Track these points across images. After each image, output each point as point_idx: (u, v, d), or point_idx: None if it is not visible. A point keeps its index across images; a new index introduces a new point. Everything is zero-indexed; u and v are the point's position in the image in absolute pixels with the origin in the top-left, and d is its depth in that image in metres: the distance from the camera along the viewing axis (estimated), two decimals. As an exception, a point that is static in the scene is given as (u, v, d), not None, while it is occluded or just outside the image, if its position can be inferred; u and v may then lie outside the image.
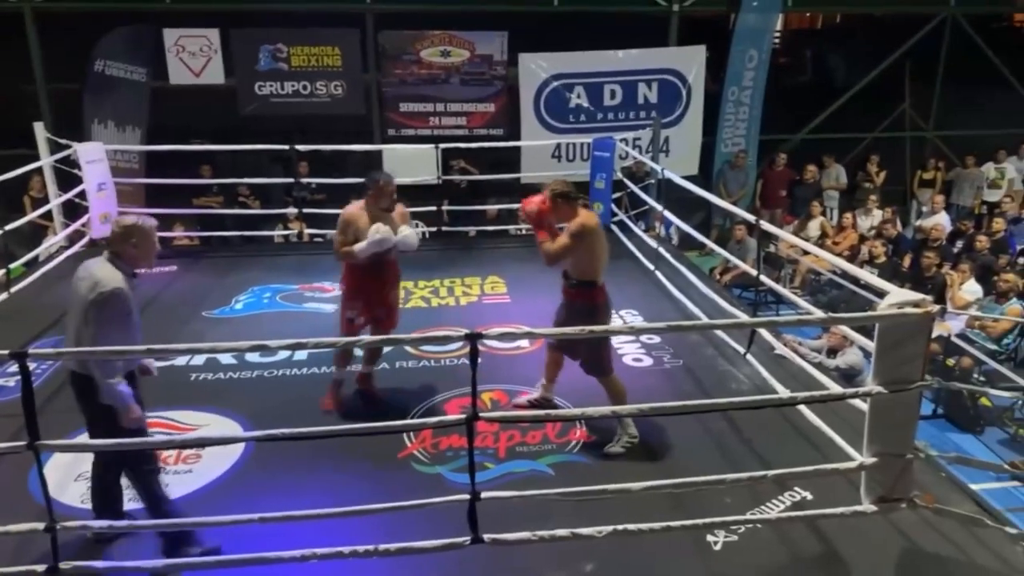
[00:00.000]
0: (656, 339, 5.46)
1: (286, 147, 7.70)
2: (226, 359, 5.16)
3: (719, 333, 5.37)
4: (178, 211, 8.25)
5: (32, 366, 2.62)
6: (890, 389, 2.97)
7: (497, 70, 10.14)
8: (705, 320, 5.33)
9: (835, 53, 13.59)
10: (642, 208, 8.12)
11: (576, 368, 4.23)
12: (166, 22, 9.50)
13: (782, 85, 12.04)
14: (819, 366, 5.01)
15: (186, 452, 4.02)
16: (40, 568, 2.75)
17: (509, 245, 7.93)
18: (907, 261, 8.83)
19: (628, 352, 5.30)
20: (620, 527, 2.93)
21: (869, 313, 3.64)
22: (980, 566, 3.22)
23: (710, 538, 3.37)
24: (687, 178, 6.98)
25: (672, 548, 3.30)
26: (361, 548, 2.84)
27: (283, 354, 5.20)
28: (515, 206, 7.47)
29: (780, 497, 3.64)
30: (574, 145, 10.19)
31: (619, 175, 8.13)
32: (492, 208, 9.15)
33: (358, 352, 4.62)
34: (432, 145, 7.96)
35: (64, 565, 2.75)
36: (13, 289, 6.19)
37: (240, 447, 4.08)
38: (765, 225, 5.21)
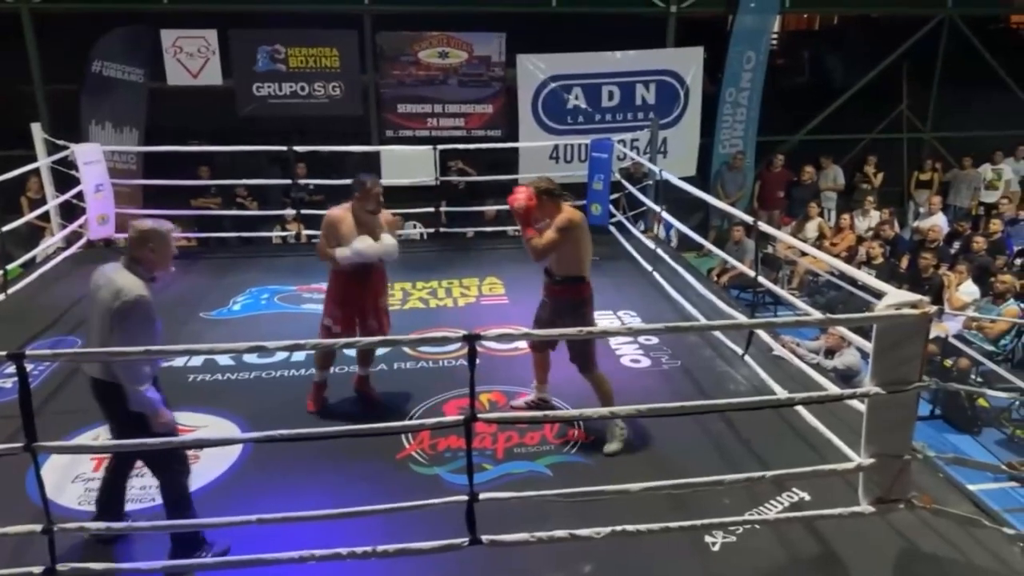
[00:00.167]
0: (654, 340, 5.47)
1: (284, 148, 7.70)
2: (224, 360, 5.16)
3: (717, 334, 5.37)
4: (176, 212, 8.20)
5: (29, 367, 2.61)
6: (888, 390, 2.97)
7: (495, 71, 10.14)
8: (703, 321, 5.33)
9: (833, 54, 13.62)
10: (640, 209, 8.12)
11: (573, 369, 4.23)
12: (164, 23, 9.49)
13: (780, 86, 12.05)
14: (817, 367, 5.03)
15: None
16: (37, 570, 2.74)
17: (507, 246, 7.92)
18: (904, 262, 8.84)
19: (626, 353, 5.30)
20: (618, 528, 2.93)
21: (867, 314, 3.65)
22: (978, 567, 3.22)
23: (708, 539, 3.37)
24: (685, 179, 6.99)
25: (670, 549, 3.30)
26: (359, 549, 2.84)
27: (281, 355, 5.19)
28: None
29: (778, 498, 3.65)
30: (572, 146, 10.20)
31: (617, 176, 8.13)
32: (490, 209, 9.14)
33: (350, 352, 4.60)
34: (430, 146, 7.96)
35: (61, 567, 2.75)
36: (10, 290, 6.18)
37: (238, 448, 4.07)
38: (763, 226, 5.22)
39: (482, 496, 2.92)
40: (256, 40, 9.64)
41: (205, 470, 3.90)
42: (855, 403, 3.41)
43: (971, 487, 3.77)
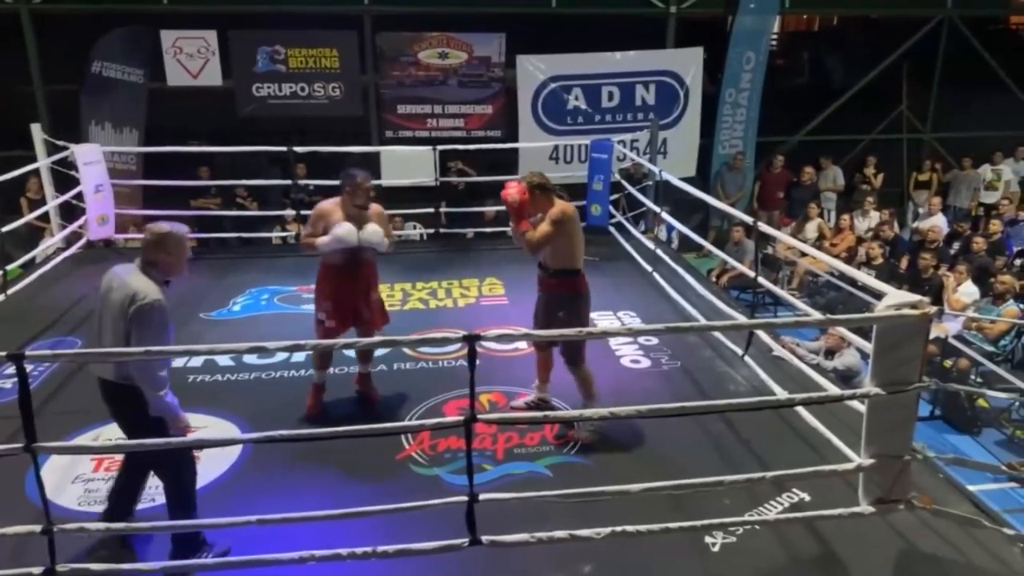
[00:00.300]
0: (654, 340, 5.46)
1: (284, 149, 7.70)
2: (224, 361, 5.15)
3: (717, 335, 5.37)
4: (176, 213, 8.21)
5: (29, 368, 2.61)
6: (888, 390, 2.97)
7: (495, 72, 10.14)
8: (703, 322, 5.33)
9: (832, 55, 13.63)
10: (640, 210, 8.12)
11: None
12: (164, 23, 9.49)
13: (779, 87, 12.06)
14: (817, 367, 5.03)
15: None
16: (37, 570, 2.74)
17: (507, 247, 7.89)
18: (904, 263, 8.85)
19: (626, 354, 5.30)
20: (618, 528, 2.93)
21: (867, 314, 3.65)
22: (978, 567, 3.22)
23: (708, 539, 3.37)
24: (685, 180, 6.99)
25: (670, 549, 3.30)
26: (359, 550, 2.83)
27: (281, 356, 5.19)
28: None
29: (778, 498, 3.65)
30: (572, 147, 10.20)
31: (617, 177, 8.13)
32: (490, 210, 9.14)
33: (349, 352, 4.59)
34: (430, 147, 7.96)
35: (61, 567, 2.75)
36: (10, 291, 6.18)
37: (238, 449, 4.07)
38: (763, 227, 5.22)
39: (482, 497, 2.92)
40: (256, 41, 9.64)
41: (205, 471, 3.88)
42: (855, 404, 3.41)
43: (971, 487, 3.77)
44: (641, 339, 5.47)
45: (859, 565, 3.25)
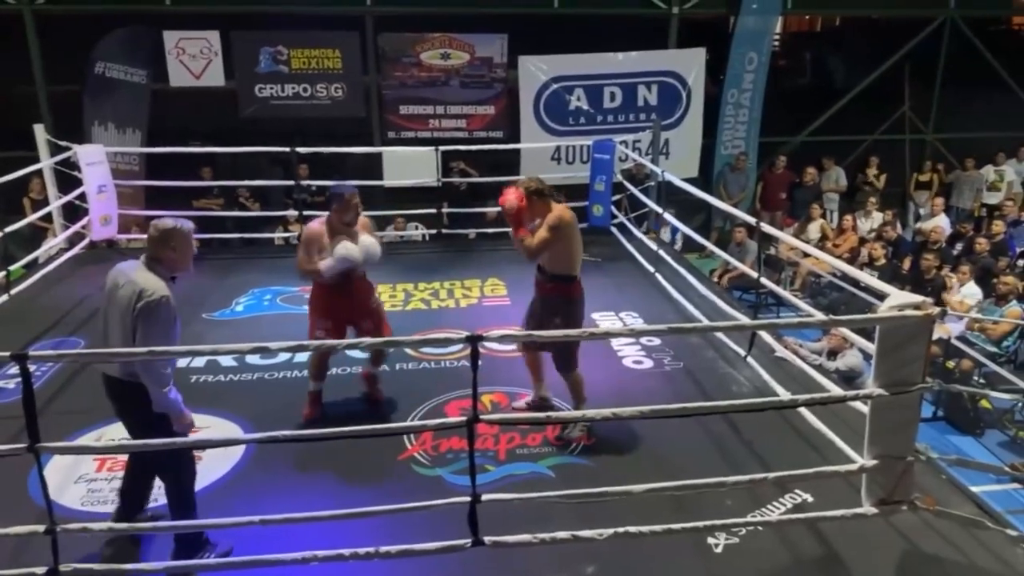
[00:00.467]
0: (656, 341, 5.46)
1: (286, 149, 7.70)
2: (227, 361, 5.16)
3: (719, 335, 5.37)
4: (178, 213, 8.19)
5: (32, 368, 2.61)
6: (891, 391, 2.97)
7: (497, 72, 10.15)
8: (706, 322, 5.33)
9: (834, 55, 13.61)
10: (642, 210, 8.12)
11: None
12: (166, 24, 9.50)
13: (782, 87, 12.05)
14: (819, 368, 5.02)
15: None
16: (40, 570, 2.74)
17: (509, 247, 7.86)
18: (907, 263, 8.84)
19: (628, 354, 5.30)
20: (621, 529, 2.93)
21: (870, 315, 3.64)
22: (981, 568, 3.22)
23: (711, 540, 3.36)
24: (687, 180, 6.99)
25: (673, 550, 3.30)
26: (362, 550, 2.83)
27: (283, 356, 5.20)
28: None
29: (781, 499, 3.64)
30: (574, 147, 10.20)
31: (619, 177, 8.14)
32: (492, 210, 9.13)
33: (351, 353, 4.58)
34: (432, 147, 7.97)
35: (64, 568, 2.75)
36: (13, 291, 6.19)
37: (240, 449, 4.07)
38: (765, 227, 5.22)
39: (484, 497, 2.92)
40: (258, 41, 9.65)
41: (208, 471, 3.89)
42: (858, 404, 3.41)
43: (974, 489, 3.76)
44: (643, 340, 5.47)
45: (862, 566, 3.25)
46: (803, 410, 4.04)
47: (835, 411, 3.91)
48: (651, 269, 6.87)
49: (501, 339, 3.00)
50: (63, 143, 7.40)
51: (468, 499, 2.88)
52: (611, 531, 2.92)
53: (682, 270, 6.56)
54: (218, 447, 3.99)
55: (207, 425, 4.35)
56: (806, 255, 7.64)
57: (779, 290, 5.66)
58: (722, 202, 7.13)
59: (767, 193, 10.86)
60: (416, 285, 6.69)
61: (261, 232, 8.83)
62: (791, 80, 13.65)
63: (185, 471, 3.26)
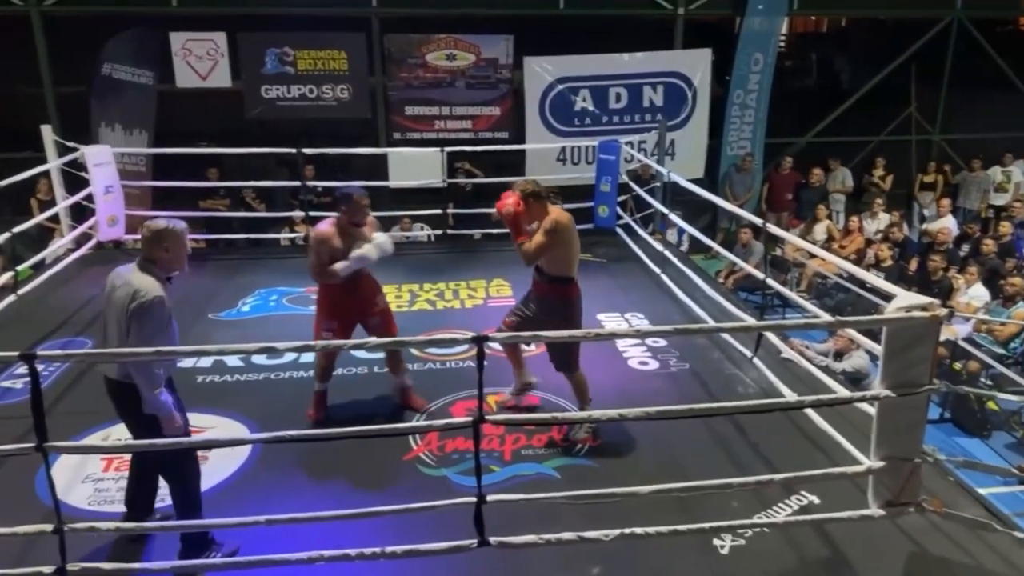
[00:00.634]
0: (662, 342, 5.45)
1: (292, 150, 7.72)
2: (233, 361, 5.17)
3: (725, 336, 5.36)
4: (185, 213, 8.23)
5: (40, 368, 2.62)
6: (898, 393, 2.96)
7: (502, 73, 10.16)
8: (711, 323, 5.32)
9: (841, 56, 13.60)
10: (648, 211, 8.11)
11: None
12: (173, 25, 9.54)
13: (788, 88, 12.05)
14: (826, 369, 5.00)
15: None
16: (48, 569, 2.76)
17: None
18: (914, 265, 8.81)
19: (634, 355, 5.29)
20: (627, 530, 2.93)
21: (877, 316, 3.63)
22: (988, 571, 3.21)
23: (717, 542, 3.36)
24: (693, 181, 6.98)
25: (679, 552, 3.29)
26: (368, 550, 2.84)
27: (290, 356, 5.20)
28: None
29: (787, 501, 3.63)
30: (579, 148, 10.20)
31: (624, 178, 8.13)
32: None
33: (357, 354, 4.56)
34: (437, 148, 7.98)
35: (72, 567, 2.76)
36: (21, 291, 6.21)
37: (247, 449, 4.08)
38: (771, 228, 5.21)
39: (490, 498, 2.92)
40: (265, 43, 9.68)
41: (214, 471, 3.90)
42: (864, 406, 3.40)
43: (981, 490, 3.75)
44: (649, 341, 5.46)
45: (868, 568, 3.24)
46: (809, 411, 4.03)
47: (841, 412, 3.90)
48: (657, 270, 6.86)
49: (507, 340, 3.00)
50: (70, 144, 7.42)
51: (474, 499, 2.89)
52: (617, 532, 2.92)
53: (688, 271, 6.55)
54: (224, 447, 4.00)
55: (213, 425, 4.37)
56: (812, 256, 7.63)
57: (785, 291, 5.65)
58: (728, 203, 7.11)
59: (773, 194, 10.85)
60: (421, 286, 6.70)
61: (267, 233, 8.85)
62: (797, 81, 13.65)
63: (188, 471, 3.26)
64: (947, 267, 8.25)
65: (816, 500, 3.64)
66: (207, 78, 9.61)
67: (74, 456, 3.95)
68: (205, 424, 4.38)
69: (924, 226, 10.71)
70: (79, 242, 7.44)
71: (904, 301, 2.99)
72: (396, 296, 6.42)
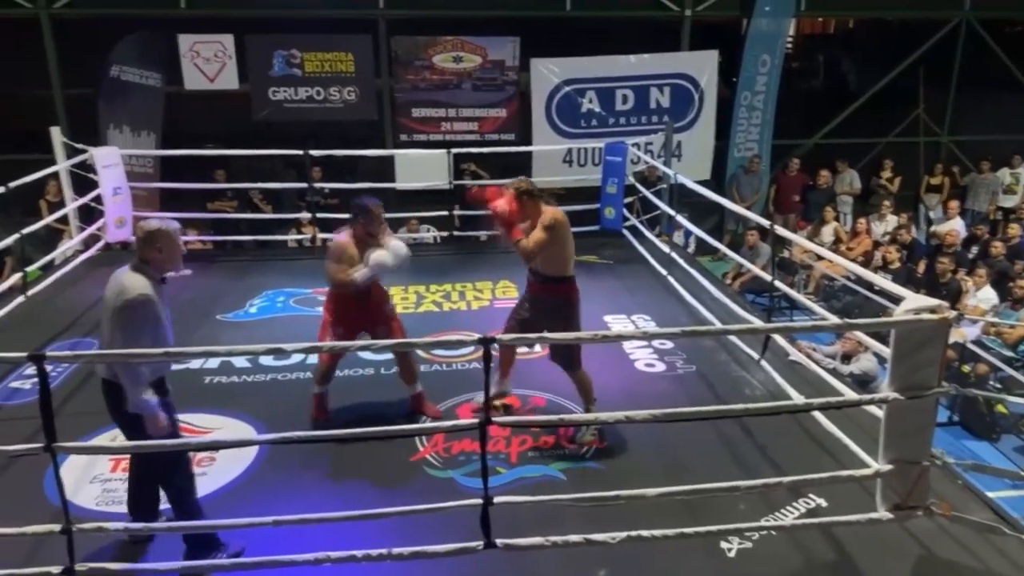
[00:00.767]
0: (669, 344, 5.45)
1: (299, 152, 7.74)
2: (240, 362, 5.18)
3: (733, 339, 5.35)
4: (192, 215, 8.30)
5: (49, 368, 2.63)
6: (906, 395, 2.95)
7: (509, 75, 10.16)
8: (719, 325, 5.31)
9: (848, 58, 13.55)
10: (654, 213, 8.11)
11: None
12: (181, 28, 9.58)
13: (795, 90, 12.01)
14: (833, 372, 4.99)
15: (200, 455, 4.03)
16: (56, 569, 2.77)
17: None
18: (922, 267, 8.78)
19: (640, 357, 5.28)
20: (634, 533, 2.93)
21: (886, 319, 3.61)
22: (997, 574, 3.19)
23: (724, 545, 3.35)
24: (700, 183, 6.97)
25: (686, 555, 3.29)
26: (374, 552, 2.84)
27: (297, 357, 5.21)
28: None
29: (794, 504, 3.62)
30: (586, 150, 10.20)
31: (631, 180, 8.12)
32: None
33: (364, 355, 4.57)
34: (444, 150, 7.99)
35: (80, 567, 2.77)
36: (30, 292, 6.25)
37: (254, 450, 4.09)
38: (779, 230, 5.19)
39: (496, 500, 2.92)
40: (272, 45, 9.72)
41: (221, 472, 3.92)
42: (873, 409, 3.39)
43: (990, 494, 3.73)
44: (656, 343, 5.45)
45: (876, 572, 3.22)
46: (817, 414, 4.01)
47: (850, 415, 3.89)
48: (663, 272, 6.85)
49: (513, 341, 3.00)
50: (79, 146, 7.46)
51: (480, 501, 2.89)
52: (623, 534, 2.92)
53: (694, 273, 6.54)
54: (232, 448, 4.01)
55: (220, 426, 4.38)
56: (820, 258, 7.60)
57: (793, 293, 5.63)
58: (735, 205, 7.10)
59: (780, 196, 10.82)
60: (428, 287, 6.71)
61: (275, 234, 8.88)
62: (804, 82, 13.60)
63: (179, 475, 3.25)
64: (955, 269, 8.22)
65: (824, 503, 3.62)
66: (215, 80, 9.66)
67: (82, 456, 3.97)
68: (212, 425, 4.40)
69: (932, 228, 10.67)
70: (88, 243, 7.48)
71: (913, 303, 2.98)
72: (403, 297, 6.43)
